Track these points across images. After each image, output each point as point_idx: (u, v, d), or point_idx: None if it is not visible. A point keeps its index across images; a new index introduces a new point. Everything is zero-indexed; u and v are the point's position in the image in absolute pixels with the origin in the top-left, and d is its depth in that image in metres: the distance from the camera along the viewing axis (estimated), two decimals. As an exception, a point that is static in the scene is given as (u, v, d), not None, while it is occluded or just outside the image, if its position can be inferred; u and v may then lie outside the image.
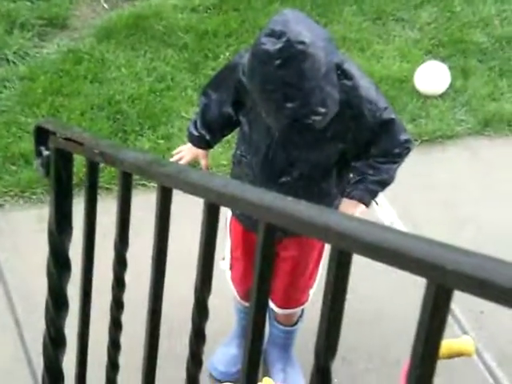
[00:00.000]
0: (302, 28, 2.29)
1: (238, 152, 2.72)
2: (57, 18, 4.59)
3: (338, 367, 3.18)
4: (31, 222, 3.63)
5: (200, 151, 2.88)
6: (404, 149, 2.65)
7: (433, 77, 4.48)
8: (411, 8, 4.97)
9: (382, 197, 3.90)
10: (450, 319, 3.45)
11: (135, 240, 3.60)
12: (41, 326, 3.29)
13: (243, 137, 2.69)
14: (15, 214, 3.66)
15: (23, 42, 4.43)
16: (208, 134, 2.80)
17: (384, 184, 2.71)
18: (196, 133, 2.82)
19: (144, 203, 3.67)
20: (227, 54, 4.50)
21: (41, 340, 3.19)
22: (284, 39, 2.27)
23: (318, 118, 2.36)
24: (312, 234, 1.33)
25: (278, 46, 2.27)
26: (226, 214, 2.85)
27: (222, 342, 3.17)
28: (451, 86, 4.48)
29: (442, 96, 4.46)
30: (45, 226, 3.55)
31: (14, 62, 4.32)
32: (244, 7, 4.78)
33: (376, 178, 2.65)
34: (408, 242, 1.12)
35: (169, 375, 3.12)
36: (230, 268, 2.94)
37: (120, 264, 1.87)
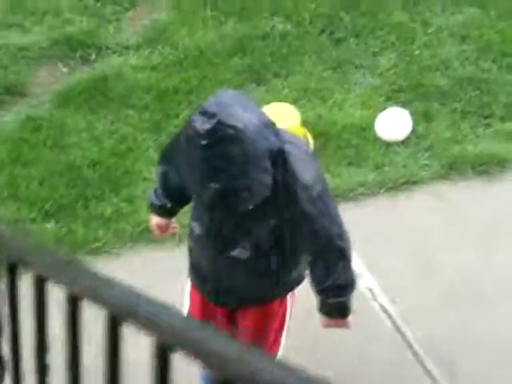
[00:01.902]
0: (237, 111, 2.29)
1: (191, 222, 2.71)
2: (15, 85, 4.58)
3: None
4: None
5: (164, 221, 2.85)
6: (336, 241, 2.58)
7: (394, 123, 4.48)
8: (370, 55, 4.98)
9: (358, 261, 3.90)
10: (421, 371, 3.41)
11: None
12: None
13: (194, 207, 2.68)
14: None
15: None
16: (169, 202, 2.77)
17: (344, 288, 2.65)
18: (158, 202, 2.80)
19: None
20: (188, 111, 4.49)
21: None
22: (214, 120, 2.26)
23: (240, 201, 2.35)
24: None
25: (208, 126, 2.26)
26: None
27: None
28: (413, 131, 4.48)
29: (404, 142, 4.45)
30: None
31: (-28, 133, 4.30)
32: (204, 63, 4.79)
33: (331, 283, 2.61)
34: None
35: None
36: None
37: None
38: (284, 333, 2.85)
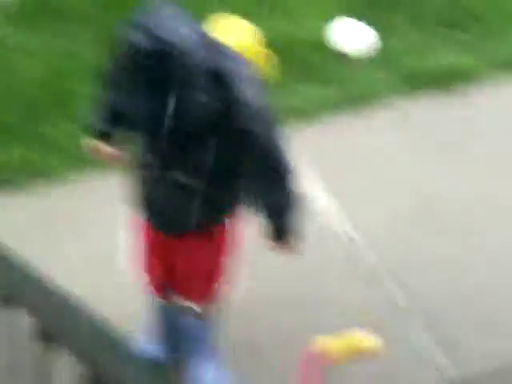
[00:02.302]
0: (173, 26, 2.18)
1: (134, 146, 2.59)
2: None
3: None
4: None
5: (110, 148, 2.73)
6: (277, 163, 2.46)
7: (353, 36, 4.30)
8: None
9: (308, 168, 3.76)
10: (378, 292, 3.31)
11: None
12: None
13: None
14: None
15: None
16: (117, 127, 2.65)
17: (283, 211, 2.54)
18: (104, 128, 2.68)
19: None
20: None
21: None
22: (149, 36, 2.16)
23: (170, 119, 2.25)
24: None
25: (142, 42, 2.16)
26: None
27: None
28: (374, 44, 4.30)
29: (364, 56, 4.28)
30: None
31: None
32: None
33: (271, 206, 2.51)
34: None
35: None
36: (138, 264, 2.80)
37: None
38: (228, 259, 2.75)
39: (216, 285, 2.79)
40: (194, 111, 2.26)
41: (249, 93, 2.36)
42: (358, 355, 2.03)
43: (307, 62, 4.22)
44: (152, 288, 2.85)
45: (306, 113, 4.00)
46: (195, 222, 2.59)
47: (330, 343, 2.00)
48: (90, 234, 3.43)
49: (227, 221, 2.66)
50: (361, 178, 3.77)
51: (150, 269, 2.80)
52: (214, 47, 2.31)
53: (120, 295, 3.11)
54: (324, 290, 3.30)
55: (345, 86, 4.13)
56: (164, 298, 2.87)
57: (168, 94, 2.20)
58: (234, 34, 4.06)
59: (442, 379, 3.04)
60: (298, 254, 2.69)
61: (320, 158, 3.81)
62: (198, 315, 2.85)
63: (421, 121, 4.08)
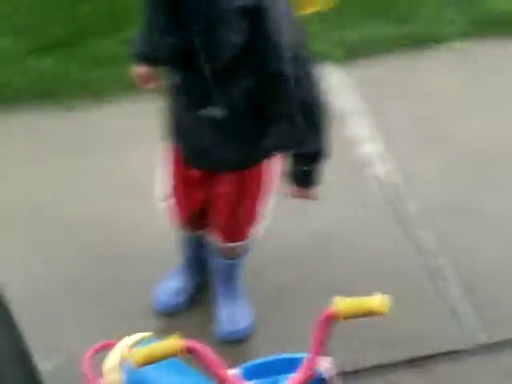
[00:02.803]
0: None
1: (167, 77, 2.54)
2: None
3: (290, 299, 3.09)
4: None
5: (147, 70, 2.71)
6: (311, 107, 2.38)
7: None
8: None
9: (358, 104, 3.68)
10: (408, 244, 3.26)
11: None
12: None
13: None
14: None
15: None
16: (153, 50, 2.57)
17: (311, 157, 2.49)
18: (142, 49, 2.65)
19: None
20: None
21: None
22: None
23: (204, 59, 2.22)
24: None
25: None
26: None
27: (166, 276, 3.06)
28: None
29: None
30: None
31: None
32: None
33: (301, 150, 2.45)
34: None
35: (111, 302, 3.04)
36: (170, 196, 2.80)
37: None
38: (265, 203, 2.73)
39: (249, 225, 2.78)
40: (222, 49, 2.21)
41: (285, 33, 2.27)
42: (368, 315, 2.01)
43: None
44: (182, 221, 2.85)
45: (366, 49, 3.89)
46: (229, 159, 2.57)
47: (343, 303, 1.98)
48: (131, 158, 3.47)
49: (263, 162, 2.62)
50: (416, 122, 3.67)
51: (182, 202, 2.79)
52: None
53: (154, 223, 3.15)
54: (356, 236, 3.28)
55: (407, 24, 3.99)
56: (193, 232, 2.88)
57: (194, 28, 2.15)
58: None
59: (472, 341, 3.01)
60: (315, 200, 2.66)
61: (375, 98, 3.73)
62: (229, 254, 2.88)
63: (486, 65, 3.94)
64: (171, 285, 3.03)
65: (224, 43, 2.20)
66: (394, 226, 3.31)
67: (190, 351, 1.95)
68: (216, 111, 2.42)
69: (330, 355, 2.08)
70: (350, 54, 3.88)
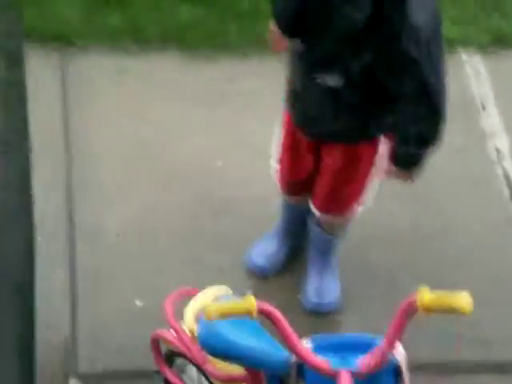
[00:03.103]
0: None
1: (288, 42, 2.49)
2: None
3: (381, 280, 3.06)
4: (111, 72, 3.54)
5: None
6: (432, 93, 2.31)
7: None
8: None
9: (491, 103, 3.56)
10: None
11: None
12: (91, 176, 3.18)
13: None
14: (97, 60, 3.56)
15: None
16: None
17: (424, 141, 2.42)
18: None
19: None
20: None
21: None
22: None
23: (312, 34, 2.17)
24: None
25: None
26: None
27: (262, 237, 3.06)
28: None
29: None
30: (123, 78, 3.54)
31: None
32: None
33: (414, 132, 2.39)
34: None
35: (206, 253, 3.07)
36: (278, 161, 2.80)
37: None
38: (370, 181, 2.68)
39: (351, 201, 2.74)
40: (346, 26, 2.15)
41: (422, 14, 2.21)
42: (450, 313, 1.95)
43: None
44: (286, 185, 2.84)
45: (509, 38, 3.73)
46: (340, 131, 2.53)
47: (428, 295, 1.92)
48: (250, 116, 3.46)
49: (373, 139, 2.58)
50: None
51: (289, 167, 2.78)
52: None
53: (261, 183, 3.15)
54: (467, 231, 3.19)
55: None
56: (296, 198, 2.87)
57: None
58: None
59: None
60: (412, 183, 2.61)
61: (507, 93, 3.59)
62: (327, 226, 2.85)
63: None
64: (267, 246, 3.03)
65: (346, 19, 2.14)
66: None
67: (263, 314, 1.94)
68: (332, 80, 2.38)
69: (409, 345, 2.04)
70: (496, 42, 3.73)
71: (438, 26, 2.29)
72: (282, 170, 2.80)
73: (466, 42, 3.71)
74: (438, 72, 2.32)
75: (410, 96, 2.35)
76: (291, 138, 2.69)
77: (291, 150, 2.72)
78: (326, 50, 2.33)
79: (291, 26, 2.22)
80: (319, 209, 2.78)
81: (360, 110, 2.45)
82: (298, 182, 2.79)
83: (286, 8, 2.21)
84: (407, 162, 2.51)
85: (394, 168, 2.55)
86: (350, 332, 2.67)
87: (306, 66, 2.44)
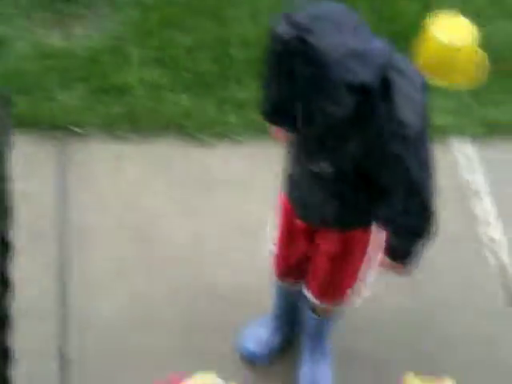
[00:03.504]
0: (327, 31, 2.08)
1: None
2: None
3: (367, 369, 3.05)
4: (109, 159, 3.61)
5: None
6: (420, 189, 2.35)
7: None
8: None
9: (484, 191, 3.59)
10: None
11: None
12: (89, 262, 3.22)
13: None
14: (96, 148, 3.65)
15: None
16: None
17: (412, 235, 2.45)
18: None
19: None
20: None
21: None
22: (294, 32, 2.08)
23: (291, 124, 2.20)
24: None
25: (286, 34, 2.09)
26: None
27: (255, 323, 3.07)
28: None
29: None
30: (122, 165, 3.60)
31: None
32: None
33: (402, 225, 2.42)
34: None
35: (197, 340, 3.06)
36: (275, 243, 2.82)
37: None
38: (367, 269, 2.70)
39: (346, 289, 2.75)
40: (324, 120, 2.18)
41: (409, 111, 2.23)
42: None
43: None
44: (280, 270, 2.86)
45: (503, 128, 3.79)
46: (329, 218, 2.57)
47: (414, 381, 1.94)
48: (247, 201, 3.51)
49: (366, 227, 2.60)
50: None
51: (284, 251, 2.80)
52: (372, 60, 2.13)
53: (255, 267, 3.17)
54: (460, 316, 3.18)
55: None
56: (289, 282, 2.88)
57: (299, 92, 2.12)
58: (452, 30, 3.94)
59: None
60: (407, 276, 2.63)
61: (504, 182, 3.62)
62: (322, 313, 2.85)
63: None
64: (261, 333, 3.03)
65: (325, 115, 2.16)
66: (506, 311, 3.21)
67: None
68: (323, 167, 2.42)
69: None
70: (489, 132, 3.79)
71: (425, 126, 2.31)
72: (277, 252, 2.82)
73: (459, 132, 3.77)
74: (425, 168, 2.34)
75: (398, 191, 2.37)
76: (288, 222, 2.72)
77: (287, 234, 2.75)
78: (313, 140, 2.37)
79: (272, 116, 2.26)
80: (314, 295, 2.79)
81: (350, 199, 2.49)
82: (292, 266, 2.80)
83: (268, 99, 2.25)
84: (400, 255, 2.53)
85: (388, 260, 2.57)
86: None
87: (301, 154, 2.49)
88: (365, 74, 2.11)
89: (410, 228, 2.44)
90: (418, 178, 2.33)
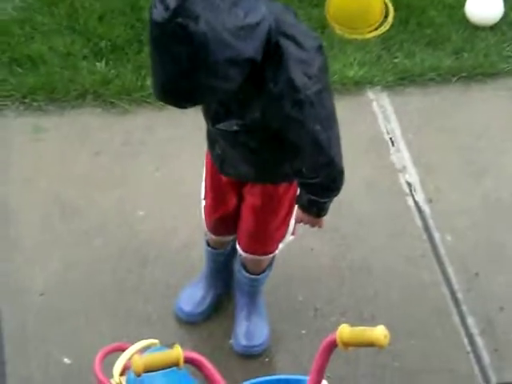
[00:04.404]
0: (198, 9, 2.07)
1: None
2: None
3: (309, 318, 3.16)
4: (27, 131, 3.58)
5: None
6: (325, 148, 2.39)
7: (486, 4, 4.12)
8: None
9: (399, 139, 3.71)
10: (439, 277, 3.27)
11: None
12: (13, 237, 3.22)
13: None
14: (13, 121, 3.61)
15: None
16: None
17: (325, 190, 2.52)
18: None
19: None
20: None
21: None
22: (168, 14, 2.06)
23: (184, 99, 2.23)
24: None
25: (159, 18, 2.08)
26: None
27: (189, 284, 3.12)
28: (504, 17, 4.11)
29: (492, 28, 4.10)
30: (40, 136, 3.58)
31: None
32: None
33: (314, 182, 2.47)
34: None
35: (135, 305, 3.11)
36: (204, 198, 2.88)
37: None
38: (292, 220, 2.77)
39: (276, 240, 2.82)
40: (213, 94, 2.22)
41: (301, 74, 2.27)
42: (369, 346, 2.04)
43: (433, 25, 4.08)
44: (210, 225, 2.92)
45: (415, 77, 3.89)
46: (250, 173, 2.62)
47: (346, 332, 2.01)
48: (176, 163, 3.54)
49: (289, 182, 2.66)
50: (451, 156, 3.66)
51: (213, 206, 2.85)
52: (258, 32, 2.14)
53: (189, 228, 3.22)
54: (387, 265, 3.30)
55: (463, 56, 3.98)
56: (216, 239, 2.95)
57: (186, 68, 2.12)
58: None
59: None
60: (321, 228, 2.70)
61: (416, 128, 3.74)
62: (253, 267, 2.92)
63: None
64: (195, 293, 3.09)
65: (208, 89, 2.19)
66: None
67: (190, 363, 2.00)
68: (229, 126, 2.46)
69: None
70: (401, 81, 3.89)
71: (323, 86, 2.33)
72: (206, 207, 2.87)
73: (372, 83, 3.87)
74: (327, 128, 2.37)
75: (306, 149, 2.42)
76: (213, 176, 2.77)
77: (214, 187, 2.80)
78: (215, 107, 2.43)
79: (162, 98, 2.28)
80: (244, 249, 2.85)
81: (261, 155, 2.53)
82: (222, 220, 2.86)
83: (155, 81, 2.24)
84: (309, 207, 2.59)
85: (301, 213, 2.64)
86: (282, 373, 2.74)
87: (208, 114, 2.53)
88: (246, 48, 2.14)
89: (320, 184, 2.49)
90: (320, 139, 2.37)
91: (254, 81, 2.24)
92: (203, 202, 2.89)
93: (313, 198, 2.54)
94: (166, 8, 2.07)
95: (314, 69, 2.29)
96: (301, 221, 2.69)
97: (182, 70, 2.14)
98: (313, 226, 2.69)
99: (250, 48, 2.15)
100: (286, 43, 2.25)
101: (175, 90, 2.21)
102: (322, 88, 2.32)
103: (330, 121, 2.38)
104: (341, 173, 2.48)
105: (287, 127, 2.36)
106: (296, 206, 2.66)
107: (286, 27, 2.27)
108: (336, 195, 2.56)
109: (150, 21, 2.14)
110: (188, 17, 2.07)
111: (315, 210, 2.59)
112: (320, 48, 2.33)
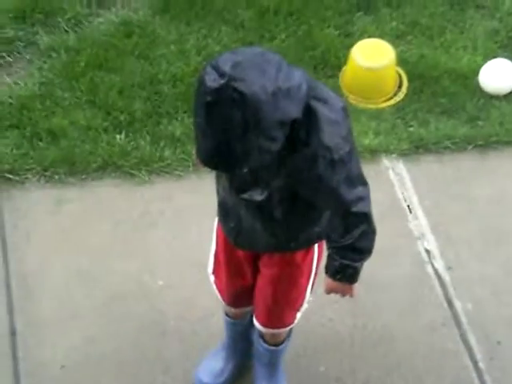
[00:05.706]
0: (251, 75, 2.14)
1: None
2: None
3: None
4: (48, 204, 3.62)
5: None
6: (357, 206, 2.42)
7: (500, 74, 4.17)
8: (497, -6, 4.61)
9: (416, 206, 3.73)
10: (461, 347, 3.24)
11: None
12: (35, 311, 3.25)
13: None
14: (34, 194, 3.65)
15: (80, 9, 4.38)
16: None
17: (358, 253, 2.52)
18: None
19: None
20: (284, 35, 4.32)
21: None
22: (223, 81, 2.13)
23: (232, 163, 2.24)
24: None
25: (215, 85, 2.14)
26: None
27: (208, 354, 3.11)
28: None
29: (506, 96, 4.14)
30: (61, 209, 3.61)
31: (65, 30, 4.28)
32: (313, -16, 4.57)
33: (347, 244, 2.48)
34: None
35: (154, 377, 3.10)
36: (213, 272, 2.88)
37: None
38: (309, 287, 2.77)
39: (293, 311, 2.81)
40: (255, 157, 2.23)
41: (333, 136, 2.31)
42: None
43: (447, 94, 4.13)
44: (227, 298, 2.91)
45: (430, 145, 3.93)
46: (268, 242, 2.62)
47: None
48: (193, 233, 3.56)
49: (306, 248, 2.66)
50: (476, 224, 3.67)
51: (226, 280, 2.84)
52: (297, 96, 2.20)
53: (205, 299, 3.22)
54: (404, 332, 3.27)
55: (478, 124, 4.01)
56: (239, 311, 2.94)
57: (231, 135, 2.18)
58: (372, 54, 4.09)
59: None
60: (352, 297, 2.68)
61: (433, 195, 3.76)
62: (272, 340, 2.90)
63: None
64: (214, 364, 3.07)
65: (258, 151, 2.22)
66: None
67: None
68: (256, 195, 2.48)
69: None
70: (416, 149, 3.92)
71: (351, 147, 2.38)
72: (221, 281, 2.86)
73: (388, 151, 3.90)
74: (357, 184, 2.41)
75: (336, 212, 2.45)
76: (226, 250, 2.77)
77: (228, 262, 2.79)
78: (246, 175, 2.42)
79: (211, 163, 2.30)
80: (262, 324, 2.84)
81: (286, 223, 2.54)
82: (239, 294, 2.85)
83: (205, 147, 2.27)
84: (341, 273, 2.57)
85: (332, 282, 2.61)
86: None
87: (232, 184, 2.54)
88: (292, 110, 2.20)
89: (351, 246, 2.50)
90: (352, 198, 2.40)
91: (288, 143, 2.27)
92: (212, 277, 2.88)
93: (345, 262, 2.53)
94: (222, 74, 2.14)
95: (344, 129, 2.35)
96: (330, 291, 2.66)
97: (235, 132, 2.18)
98: (344, 295, 2.66)
99: (295, 109, 2.21)
100: (317, 105, 2.30)
101: (226, 154, 2.23)
102: (351, 148, 2.37)
103: (360, 178, 2.42)
104: (374, 232, 2.49)
105: (318, 189, 2.38)
106: (326, 276, 2.62)
107: (315, 90, 2.33)
108: (368, 258, 2.54)
109: (202, 88, 2.18)
110: (242, 81, 2.13)
111: (348, 275, 2.56)
112: (346, 109, 2.39)
